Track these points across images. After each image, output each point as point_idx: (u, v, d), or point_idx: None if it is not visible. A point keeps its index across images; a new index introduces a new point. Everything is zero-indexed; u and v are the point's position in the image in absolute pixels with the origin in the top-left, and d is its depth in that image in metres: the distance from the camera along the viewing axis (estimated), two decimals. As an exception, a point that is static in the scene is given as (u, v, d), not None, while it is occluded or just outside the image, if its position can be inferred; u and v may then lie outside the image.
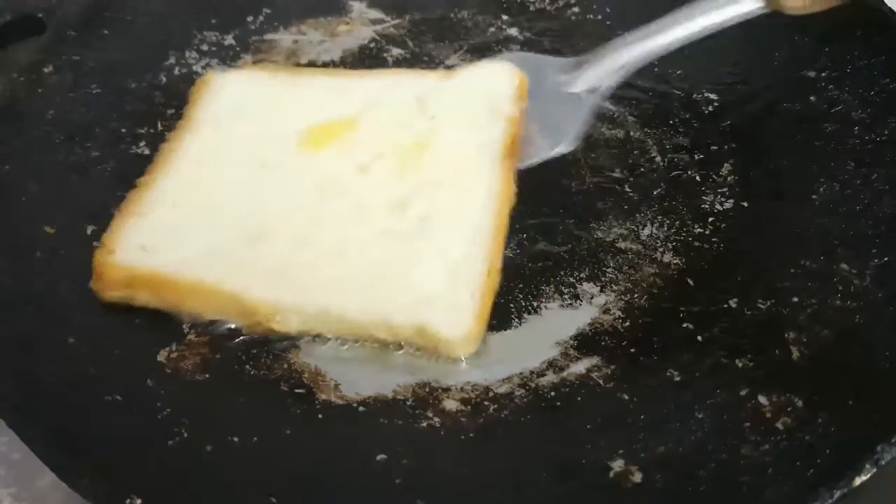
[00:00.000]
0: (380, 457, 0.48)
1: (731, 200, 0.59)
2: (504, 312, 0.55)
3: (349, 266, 0.53)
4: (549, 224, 0.59)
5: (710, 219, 0.59)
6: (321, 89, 0.63)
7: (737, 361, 0.51)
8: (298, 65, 0.69)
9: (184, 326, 0.54)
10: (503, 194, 0.57)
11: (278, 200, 0.57)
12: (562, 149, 0.60)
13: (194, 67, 0.68)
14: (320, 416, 0.50)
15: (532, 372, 0.52)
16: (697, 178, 0.61)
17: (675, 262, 0.57)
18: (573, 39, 0.70)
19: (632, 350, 0.53)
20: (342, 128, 0.60)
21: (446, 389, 0.52)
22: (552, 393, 0.51)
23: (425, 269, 0.53)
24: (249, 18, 0.71)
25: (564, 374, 0.52)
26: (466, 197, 0.56)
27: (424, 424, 0.50)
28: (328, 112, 0.61)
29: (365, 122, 0.60)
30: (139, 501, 0.43)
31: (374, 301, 0.52)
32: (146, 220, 0.56)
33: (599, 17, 0.72)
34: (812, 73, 0.63)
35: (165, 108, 0.65)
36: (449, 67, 0.68)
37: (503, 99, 0.60)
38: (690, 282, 0.56)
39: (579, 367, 0.52)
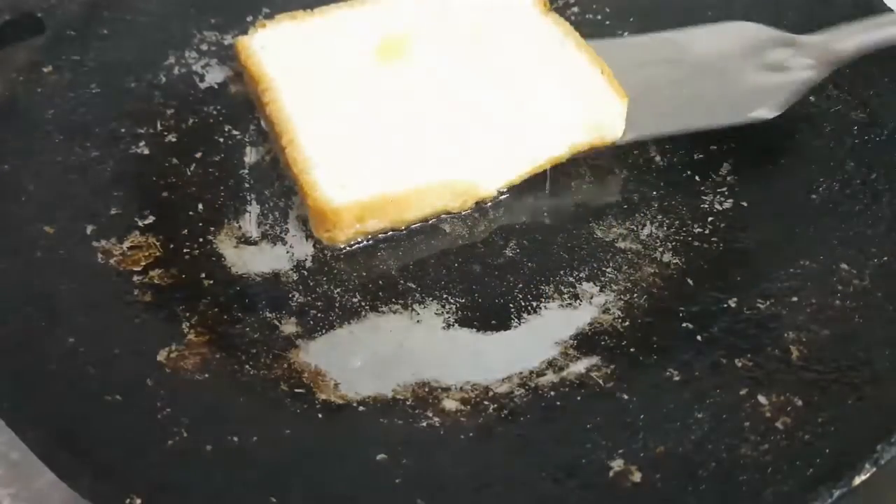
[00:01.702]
0: (380, 457, 0.48)
1: (731, 200, 0.59)
2: (503, 312, 0.55)
3: (514, 113, 0.60)
4: (549, 224, 0.59)
5: (710, 218, 0.59)
6: (363, 16, 0.67)
7: (736, 361, 0.51)
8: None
9: (184, 326, 0.54)
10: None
11: (406, 101, 0.61)
12: (763, 113, 0.60)
13: (194, 67, 0.68)
14: (320, 416, 0.50)
15: (532, 372, 0.52)
16: (697, 177, 0.61)
17: (674, 261, 0.57)
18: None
19: (632, 350, 0.53)
20: (406, 35, 0.65)
21: (446, 389, 0.52)
22: (552, 393, 0.51)
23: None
24: (249, 18, 0.71)
25: (564, 373, 0.52)
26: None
27: (424, 424, 0.50)
28: (383, 30, 0.65)
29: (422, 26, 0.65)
30: (139, 501, 0.43)
31: (547, 129, 0.60)
32: (326, 168, 0.58)
33: (599, 16, 0.72)
34: (812, 73, 0.63)
35: (165, 108, 0.65)
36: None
37: None
38: (690, 281, 0.56)
39: (579, 366, 0.52)
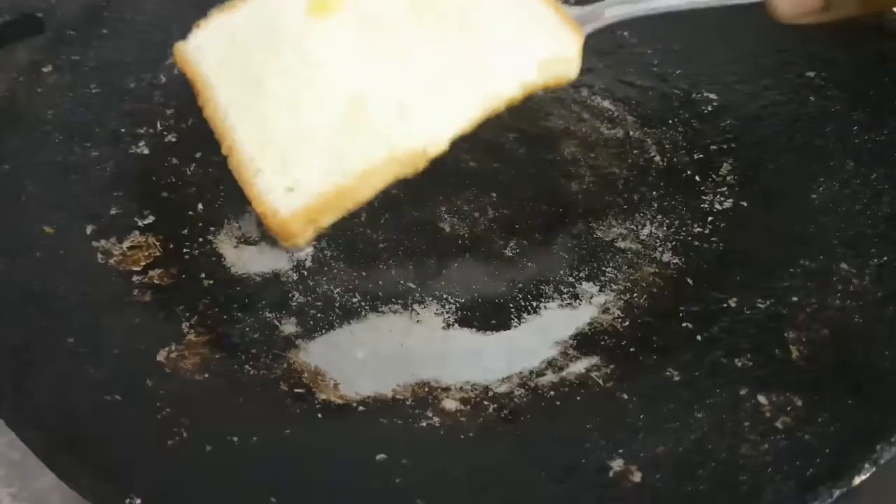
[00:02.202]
0: (380, 457, 0.48)
1: (731, 200, 0.59)
2: (503, 312, 0.55)
3: (457, 71, 0.55)
4: (549, 224, 0.59)
5: (710, 218, 0.59)
6: None
7: (736, 361, 0.51)
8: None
9: (183, 326, 0.54)
10: None
11: (341, 68, 0.56)
12: None
13: (194, 67, 0.68)
14: (320, 415, 0.50)
15: (531, 371, 0.52)
16: (697, 177, 0.61)
17: (674, 261, 0.57)
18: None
19: (631, 350, 0.53)
20: None
21: (446, 389, 0.52)
22: (552, 392, 0.51)
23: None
24: (249, 18, 0.71)
25: (564, 373, 0.52)
26: None
27: (424, 424, 0.50)
28: None
29: None
30: (139, 501, 0.44)
31: (499, 71, 0.55)
32: (268, 173, 0.54)
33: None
34: (812, 73, 0.63)
35: (165, 108, 0.66)
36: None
37: None
38: (690, 281, 0.56)
39: (579, 366, 0.52)
